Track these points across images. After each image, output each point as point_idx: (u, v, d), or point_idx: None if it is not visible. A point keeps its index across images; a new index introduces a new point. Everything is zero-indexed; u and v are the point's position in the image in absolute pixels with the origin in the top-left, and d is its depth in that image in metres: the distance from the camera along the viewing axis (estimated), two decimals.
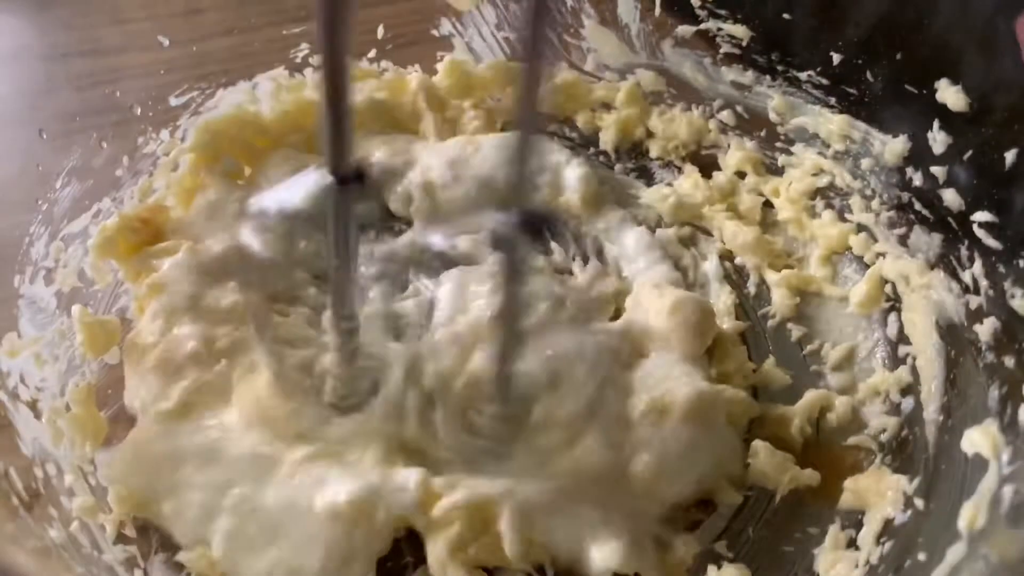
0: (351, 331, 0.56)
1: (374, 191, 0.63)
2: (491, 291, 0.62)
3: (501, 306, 0.51)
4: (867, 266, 0.72)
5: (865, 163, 0.73)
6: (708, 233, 0.77)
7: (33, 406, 0.60)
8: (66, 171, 0.69)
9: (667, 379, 0.61)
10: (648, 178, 0.81)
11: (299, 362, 0.60)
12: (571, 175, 0.76)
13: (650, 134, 0.83)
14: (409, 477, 0.55)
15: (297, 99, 0.79)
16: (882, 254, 0.71)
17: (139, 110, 0.74)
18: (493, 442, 0.58)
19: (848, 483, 0.60)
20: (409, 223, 0.74)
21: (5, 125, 0.70)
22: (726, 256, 0.75)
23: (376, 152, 0.76)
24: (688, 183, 0.79)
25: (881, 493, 0.58)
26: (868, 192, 0.73)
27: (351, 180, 0.47)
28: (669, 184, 0.80)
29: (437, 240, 0.69)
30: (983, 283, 0.62)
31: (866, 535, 0.58)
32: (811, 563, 0.58)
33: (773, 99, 0.78)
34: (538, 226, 0.47)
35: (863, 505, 0.59)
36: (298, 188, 0.48)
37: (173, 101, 0.76)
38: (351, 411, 0.59)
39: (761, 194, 0.78)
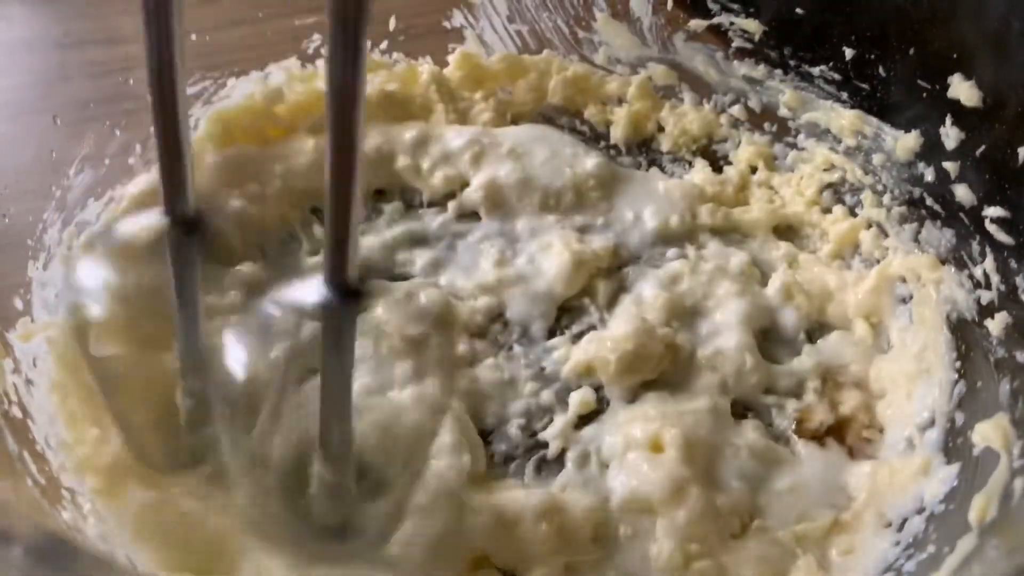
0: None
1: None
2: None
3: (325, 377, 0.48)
4: (877, 261, 0.72)
5: (877, 158, 0.73)
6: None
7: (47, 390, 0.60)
8: (79, 158, 0.69)
9: None
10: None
11: None
12: (589, 163, 0.77)
13: (661, 128, 0.83)
14: None
15: (309, 89, 0.79)
16: (893, 249, 0.71)
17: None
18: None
19: (860, 476, 0.61)
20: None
21: (19, 113, 0.70)
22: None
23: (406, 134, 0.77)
24: (699, 177, 0.79)
25: (894, 486, 0.59)
26: (879, 187, 0.73)
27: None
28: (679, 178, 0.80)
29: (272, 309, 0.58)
30: (994, 278, 0.62)
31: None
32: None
33: (785, 94, 0.78)
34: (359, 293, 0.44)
35: (878, 497, 0.59)
36: None
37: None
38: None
39: (772, 188, 0.78)
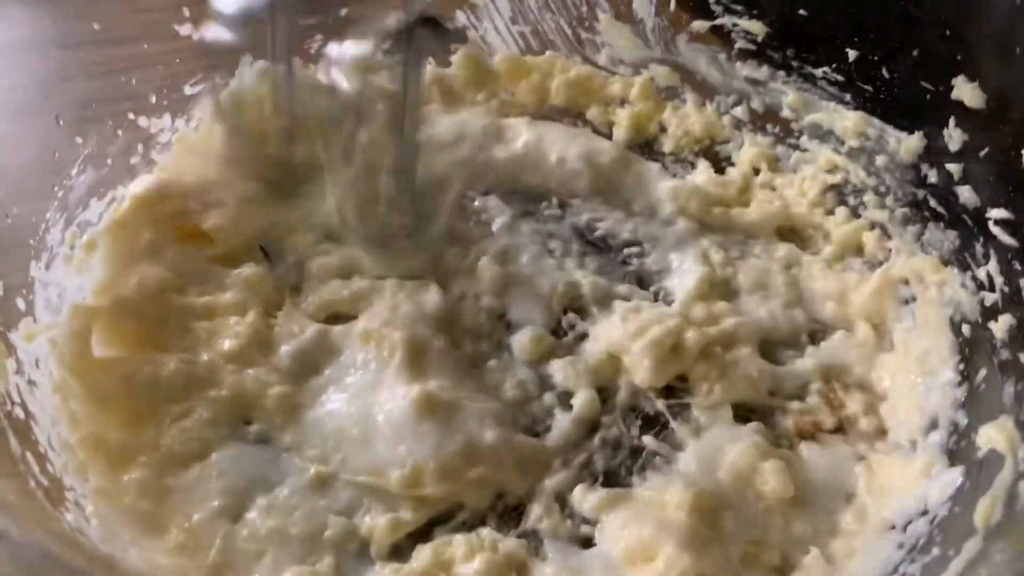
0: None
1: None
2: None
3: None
4: (880, 263, 0.72)
5: (880, 160, 0.73)
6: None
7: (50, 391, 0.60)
8: (82, 158, 0.69)
9: None
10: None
11: None
12: (604, 146, 0.80)
13: (663, 129, 0.83)
14: None
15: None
16: (896, 251, 0.71)
17: (154, 98, 0.74)
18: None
19: (866, 478, 0.60)
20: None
21: (22, 113, 0.70)
22: None
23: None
24: (701, 179, 0.79)
25: (897, 488, 0.58)
26: (883, 189, 0.73)
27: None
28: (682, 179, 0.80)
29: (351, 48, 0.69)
30: (998, 280, 0.62)
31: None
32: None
33: (788, 95, 0.78)
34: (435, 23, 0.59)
35: (881, 500, 0.59)
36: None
37: (188, 90, 0.76)
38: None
39: (774, 190, 0.78)
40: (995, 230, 0.62)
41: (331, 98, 0.66)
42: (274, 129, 0.71)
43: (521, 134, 0.80)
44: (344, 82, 0.64)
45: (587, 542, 0.58)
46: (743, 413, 0.65)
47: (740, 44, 0.79)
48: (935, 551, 0.53)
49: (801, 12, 0.74)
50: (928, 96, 0.67)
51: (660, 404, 0.65)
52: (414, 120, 0.65)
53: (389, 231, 0.69)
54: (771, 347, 0.69)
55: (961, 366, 0.63)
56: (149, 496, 0.57)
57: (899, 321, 0.69)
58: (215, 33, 0.67)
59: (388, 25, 0.61)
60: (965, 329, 0.64)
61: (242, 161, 0.71)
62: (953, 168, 0.66)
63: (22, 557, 0.38)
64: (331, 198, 0.69)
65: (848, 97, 0.74)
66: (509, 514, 0.59)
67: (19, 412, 0.57)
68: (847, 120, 0.75)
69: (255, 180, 0.71)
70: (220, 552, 0.55)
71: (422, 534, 0.58)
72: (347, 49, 0.63)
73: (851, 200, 0.75)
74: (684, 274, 0.72)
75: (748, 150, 0.80)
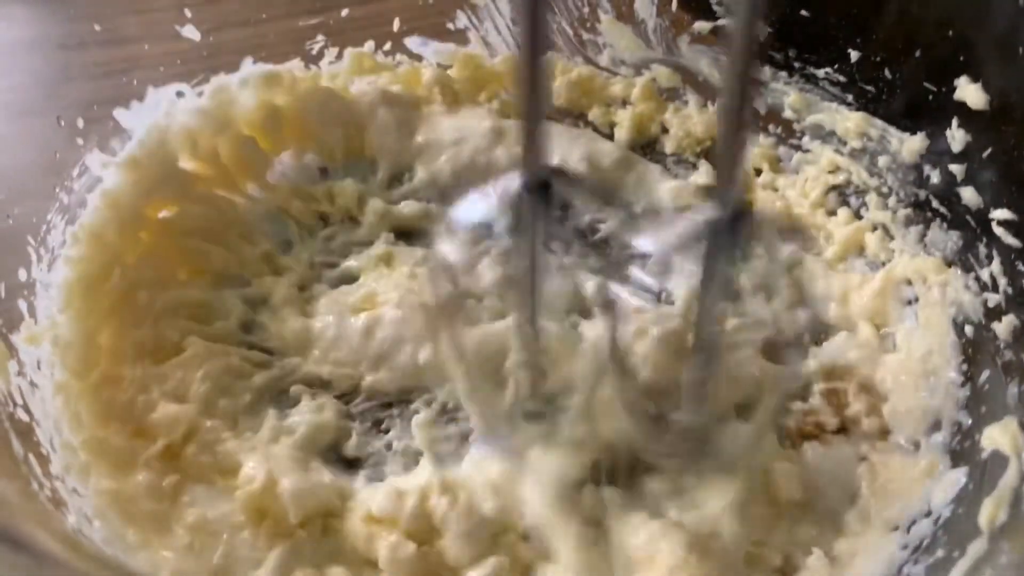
0: (533, 338, 0.56)
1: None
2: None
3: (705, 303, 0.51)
4: (883, 264, 0.72)
5: (882, 160, 0.73)
6: None
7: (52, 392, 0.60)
8: (83, 159, 0.69)
9: None
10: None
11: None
12: (605, 147, 0.80)
13: (665, 130, 0.83)
14: None
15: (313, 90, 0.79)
16: (899, 251, 0.71)
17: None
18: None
19: (869, 479, 0.60)
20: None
21: (23, 114, 0.70)
22: None
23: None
24: (703, 179, 0.79)
25: (901, 489, 0.58)
26: (885, 190, 0.73)
27: (540, 188, 0.48)
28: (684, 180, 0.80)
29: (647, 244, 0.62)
30: (1001, 281, 0.62)
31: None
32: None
33: (790, 96, 0.78)
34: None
35: (884, 501, 0.59)
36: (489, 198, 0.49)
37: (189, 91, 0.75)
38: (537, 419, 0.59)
39: (776, 190, 0.78)
40: (998, 231, 0.62)
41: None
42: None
43: None
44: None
45: None
46: (745, 414, 0.65)
47: None
48: (939, 552, 0.53)
49: (803, 13, 0.74)
50: (930, 97, 0.67)
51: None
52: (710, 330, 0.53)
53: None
54: (774, 348, 0.69)
55: (964, 367, 0.63)
56: (153, 498, 0.57)
57: (902, 322, 0.68)
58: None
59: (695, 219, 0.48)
60: (968, 330, 0.64)
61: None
62: (956, 169, 0.66)
63: (24, 558, 0.38)
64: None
65: (850, 98, 0.74)
66: None
67: (21, 414, 0.57)
68: (849, 121, 0.75)
69: None
70: (224, 555, 0.55)
71: None
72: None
73: (853, 201, 0.75)
74: (686, 275, 0.72)
75: (750, 151, 0.80)
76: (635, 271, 0.72)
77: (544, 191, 0.49)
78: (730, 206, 0.46)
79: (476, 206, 0.52)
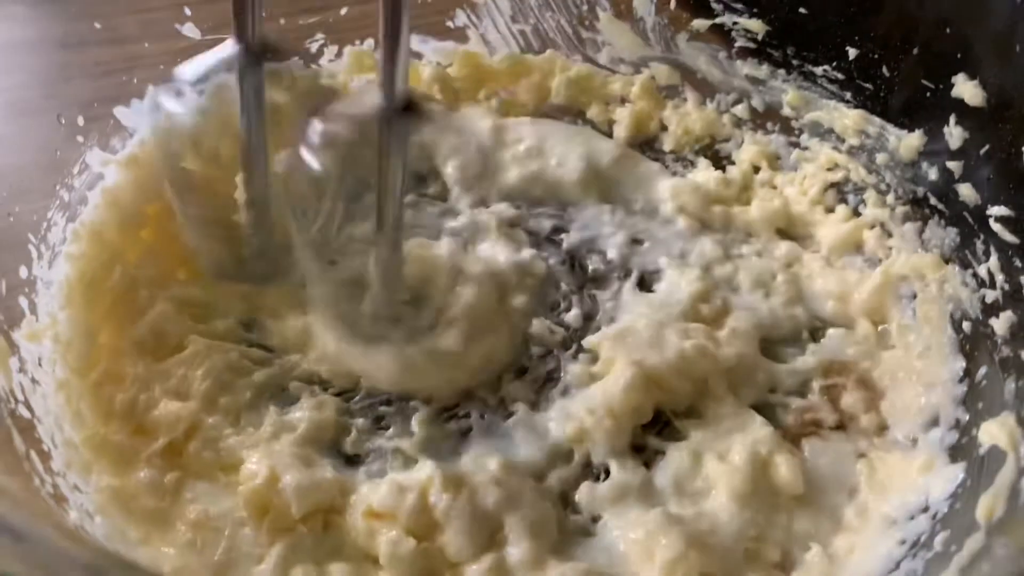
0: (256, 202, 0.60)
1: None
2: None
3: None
4: (881, 261, 0.72)
5: (880, 158, 0.73)
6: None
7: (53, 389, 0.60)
8: (83, 157, 0.69)
9: None
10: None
11: None
12: (604, 145, 0.80)
13: (664, 128, 0.83)
14: None
15: (311, 88, 0.79)
16: (897, 248, 0.71)
17: None
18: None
19: (867, 475, 0.61)
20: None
21: (24, 112, 0.70)
22: None
23: None
24: (701, 177, 0.79)
25: (899, 485, 0.59)
26: (883, 187, 0.73)
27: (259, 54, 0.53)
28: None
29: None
30: (999, 277, 0.62)
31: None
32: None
33: (788, 93, 0.78)
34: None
35: (882, 496, 0.59)
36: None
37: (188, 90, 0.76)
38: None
39: (775, 188, 0.78)
40: (995, 227, 0.63)
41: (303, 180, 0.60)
42: (242, 214, 0.65)
43: (521, 133, 0.80)
44: (316, 163, 0.57)
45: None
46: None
47: (740, 42, 0.79)
48: (937, 547, 0.53)
49: (801, 10, 0.74)
50: (928, 94, 0.67)
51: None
52: (395, 213, 0.58)
53: (375, 330, 0.64)
54: (772, 344, 0.69)
55: (962, 363, 0.63)
56: (154, 494, 0.57)
57: (900, 318, 0.69)
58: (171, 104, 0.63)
59: (364, 105, 0.54)
60: (966, 326, 0.64)
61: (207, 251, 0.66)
62: (953, 166, 0.66)
63: (28, 551, 0.38)
64: (309, 295, 0.65)
65: (848, 95, 0.75)
66: None
67: (23, 411, 0.57)
68: (847, 118, 0.75)
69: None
70: (226, 551, 0.55)
71: None
72: (318, 128, 0.57)
73: (851, 198, 0.76)
74: (685, 272, 0.72)
75: (748, 148, 0.80)
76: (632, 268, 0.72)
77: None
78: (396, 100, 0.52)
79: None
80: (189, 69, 0.58)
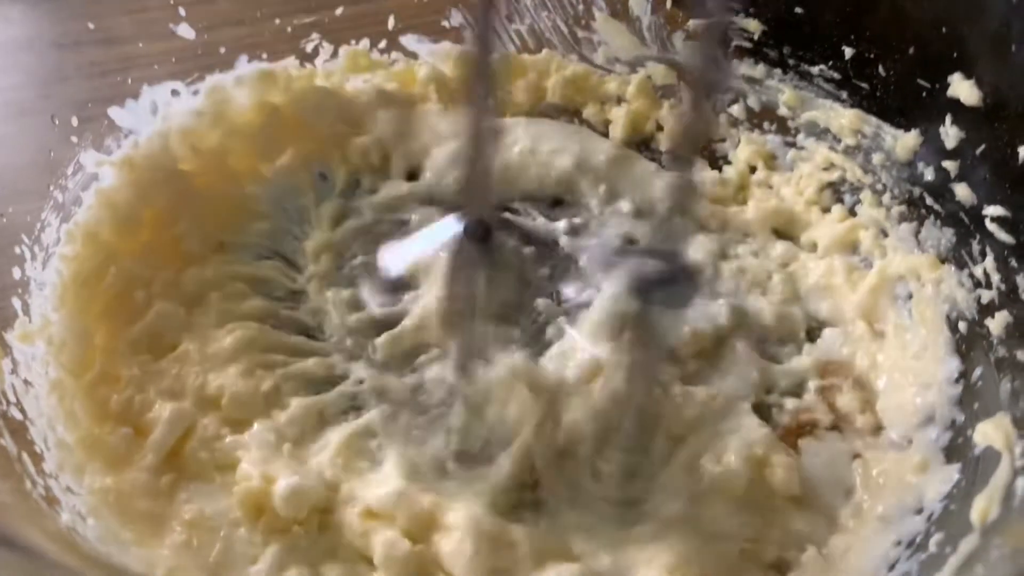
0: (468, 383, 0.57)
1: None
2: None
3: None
4: (877, 260, 0.72)
5: (876, 157, 0.73)
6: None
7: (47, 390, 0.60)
8: (77, 158, 0.69)
9: None
10: None
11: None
12: (600, 144, 0.80)
13: (660, 127, 0.83)
14: None
15: (306, 89, 0.79)
16: (893, 248, 0.71)
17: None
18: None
19: (862, 476, 0.61)
20: None
21: (17, 113, 0.70)
22: None
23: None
24: (697, 176, 0.79)
25: (894, 485, 0.59)
26: (879, 187, 0.73)
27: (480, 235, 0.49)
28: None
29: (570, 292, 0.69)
30: (995, 277, 0.62)
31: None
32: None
33: (784, 93, 0.78)
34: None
35: (877, 497, 0.59)
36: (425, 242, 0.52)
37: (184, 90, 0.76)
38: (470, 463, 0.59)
39: (771, 188, 0.78)
40: (991, 227, 0.62)
41: None
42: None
43: (517, 133, 0.80)
44: None
45: None
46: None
47: (736, 42, 0.79)
48: (932, 548, 0.53)
49: (797, 10, 0.74)
50: (924, 94, 0.67)
51: None
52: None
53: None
54: (767, 344, 0.69)
55: (958, 363, 0.63)
56: (149, 495, 0.57)
57: (896, 319, 0.68)
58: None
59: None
60: (961, 326, 0.64)
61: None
62: (949, 165, 0.66)
63: (18, 556, 0.38)
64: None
65: (844, 95, 0.74)
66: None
67: (15, 412, 0.57)
68: (843, 118, 0.75)
69: None
70: (221, 552, 0.55)
71: None
72: None
73: (848, 198, 0.75)
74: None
75: (744, 148, 0.80)
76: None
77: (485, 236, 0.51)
78: None
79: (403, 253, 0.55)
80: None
